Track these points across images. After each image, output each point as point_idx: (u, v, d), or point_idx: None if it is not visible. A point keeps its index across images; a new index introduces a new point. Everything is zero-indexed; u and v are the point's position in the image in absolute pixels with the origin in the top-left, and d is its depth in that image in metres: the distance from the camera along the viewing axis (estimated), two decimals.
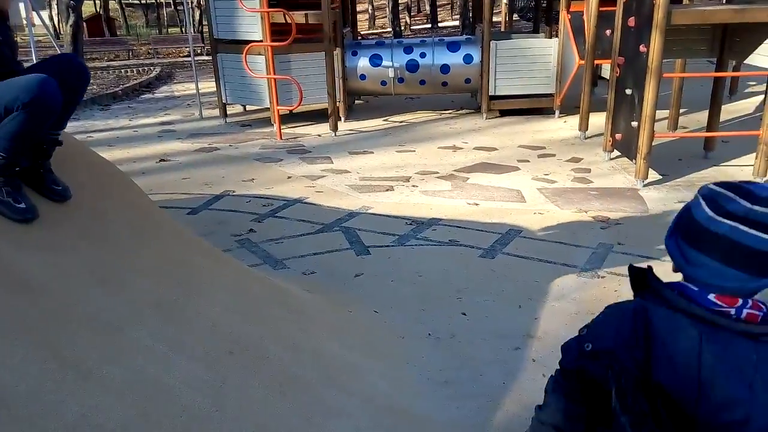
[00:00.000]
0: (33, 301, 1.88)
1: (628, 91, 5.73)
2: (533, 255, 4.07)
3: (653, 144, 5.38)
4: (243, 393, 2.07)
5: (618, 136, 6.05)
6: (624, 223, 4.62)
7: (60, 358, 1.74)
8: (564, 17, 7.96)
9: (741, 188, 1.02)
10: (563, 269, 3.85)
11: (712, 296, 1.02)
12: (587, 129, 7.30)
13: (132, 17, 38.73)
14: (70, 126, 9.20)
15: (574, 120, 7.92)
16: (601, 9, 6.76)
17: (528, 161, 6.47)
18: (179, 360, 2.01)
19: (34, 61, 7.68)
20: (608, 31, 6.88)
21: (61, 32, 19.47)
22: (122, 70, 16.01)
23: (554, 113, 8.56)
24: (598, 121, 7.16)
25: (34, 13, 10.96)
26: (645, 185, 5.46)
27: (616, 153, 6.30)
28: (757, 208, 0.99)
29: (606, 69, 9.53)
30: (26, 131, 1.93)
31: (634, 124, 5.56)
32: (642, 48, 5.31)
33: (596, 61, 7.31)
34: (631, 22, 5.60)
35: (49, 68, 2.12)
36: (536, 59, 8.41)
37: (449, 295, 3.55)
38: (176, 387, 1.89)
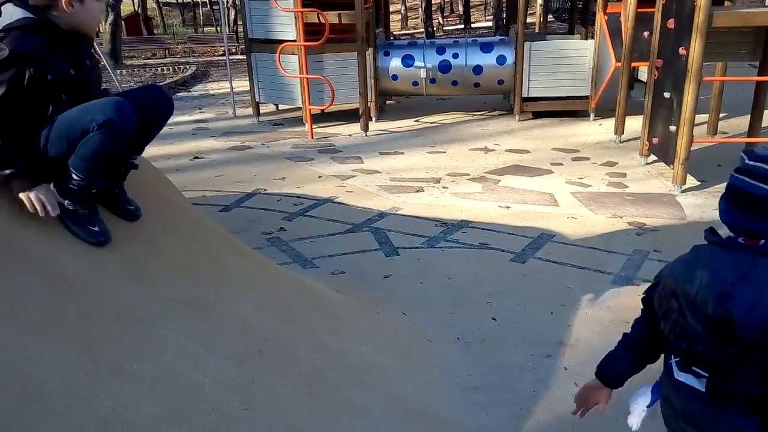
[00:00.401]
0: (67, 296, 1.90)
1: (667, 95, 5.60)
2: (566, 260, 3.99)
3: (692, 149, 5.24)
4: (272, 392, 2.07)
5: (655, 140, 5.91)
6: (661, 230, 4.51)
7: (92, 353, 1.76)
8: (600, 18, 7.81)
9: (749, 151, 1.36)
10: (597, 276, 3.77)
11: (741, 239, 1.36)
12: (623, 132, 7.15)
13: (169, 16, 39.45)
14: None
15: (609, 123, 7.77)
16: (639, 10, 6.62)
17: (561, 164, 6.36)
18: (209, 357, 2.02)
19: None
20: (646, 33, 6.73)
21: (101, 30, 19.93)
22: (159, 69, 16.30)
23: (589, 116, 8.42)
24: (635, 124, 7.01)
25: None
26: (682, 191, 5.32)
27: (652, 157, 6.16)
28: (757, 164, 1.32)
29: (643, 71, 9.33)
30: (102, 152, 1.97)
31: (672, 128, 5.42)
32: (682, 51, 5.18)
33: (633, 64, 7.16)
34: (671, 24, 5.46)
35: (135, 96, 2.17)
36: (571, 61, 8.28)
37: (479, 299, 3.51)
38: (206, 385, 1.90)
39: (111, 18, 16.73)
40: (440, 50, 8.80)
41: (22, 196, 1.95)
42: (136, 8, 33.39)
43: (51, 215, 1.97)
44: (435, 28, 25.90)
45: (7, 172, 1.93)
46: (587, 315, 3.30)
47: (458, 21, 33.08)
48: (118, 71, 13.68)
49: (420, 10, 27.22)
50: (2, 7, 1.98)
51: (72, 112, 1.97)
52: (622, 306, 3.38)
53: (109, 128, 1.93)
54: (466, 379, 2.73)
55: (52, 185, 2.03)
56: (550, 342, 3.02)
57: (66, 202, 2.04)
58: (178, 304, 2.15)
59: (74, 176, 2.01)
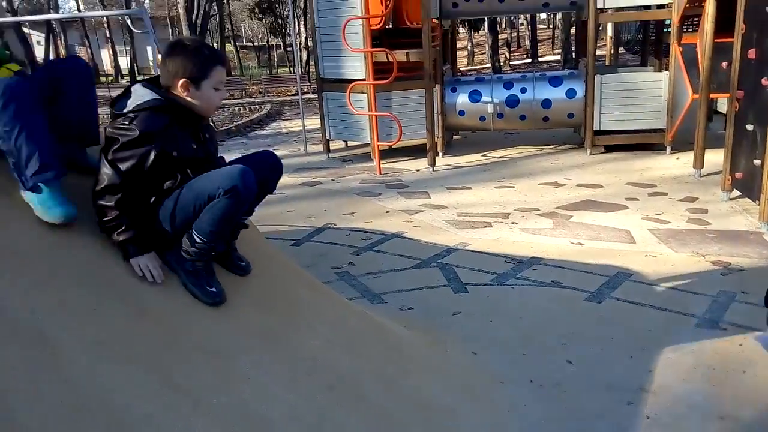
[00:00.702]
0: (150, 327, 1.98)
1: (750, 127, 5.33)
2: (645, 301, 3.81)
3: None
4: (342, 430, 2.06)
5: (738, 174, 5.61)
6: (747, 270, 4.24)
7: (172, 384, 1.82)
8: (675, 50, 7.59)
9: None
10: (679, 318, 3.57)
11: None
12: (702, 166, 6.85)
13: (246, 58, 41.46)
14: None
15: (687, 157, 7.47)
16: (716, 41, 6.39)
17: (637, 199, 6.14)
18: (282, 392, 2.03)
19: None
20: (724, 64, 6.48)
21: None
22: (236, 108, 17.07)
23: (665, 149, 8.12)
24: (714, 158, 6.71)
25: (159, 56, 11.98)
26: None
27: (736, 193, 5.85)
28: None
29: (722, 103, 8.98)
30: (226, 216, 2.12)
31: (757, 162, 5.14)
32: (764, 81, 4.95)
33: (712, 95, 6.88)
34: (752, 54, 5.23)
35: (248, 160, 2.36)
36: (645, 93, 8.07)
37: (553, 339, 3.39)
38: (278, 420, 1.91)
39: None
40: (508, 85, 8.79)
41: (131, 261, 2.12)
42: None
43: (157, 282, 2.13)
44: (501, 63, 25.93)
45: (121, 238, 2.10)
46: (670, 360, 3.12)
47: (525, 55, 33.00)
48: None
49: (486, 45, 27.37)
50: (132, 88, 2.18)
51: (199, 180, 2.14)
52: (707, 351, 3.18)
53: (234, 194, 2.08)
54: (541, 425, 2.62)
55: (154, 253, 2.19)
56: (630, 388, 2.86)
57: (187, 264, 2.20)
58: (255, 337, 2.19)
59: (197, 239, 2.16)
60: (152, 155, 2.07)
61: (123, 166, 2.06)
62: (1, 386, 1.54)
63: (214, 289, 2.22)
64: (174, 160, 2.14)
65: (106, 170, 2.07)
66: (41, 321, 1.75)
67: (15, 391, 1.55)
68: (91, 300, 1.92)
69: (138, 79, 2.33)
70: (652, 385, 2.88)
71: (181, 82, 2.15)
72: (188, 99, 2.18)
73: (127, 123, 2.08)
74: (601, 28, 8.68)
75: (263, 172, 2.34)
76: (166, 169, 2.13)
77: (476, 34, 36.04)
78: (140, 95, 2.14)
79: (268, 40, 42.44)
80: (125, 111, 2.12)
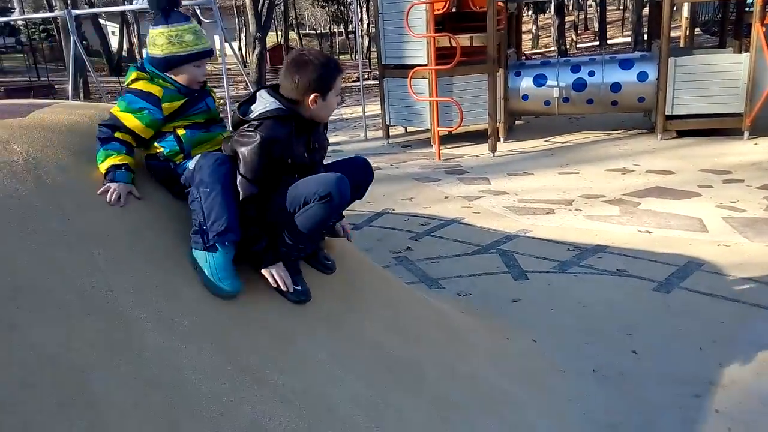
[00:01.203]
0: (217, 308, 2.06)
1: None
2: (717, 292, 3.65)
3: None
4: (401, 414, 2.09)
5: None
6: None
7: (239, 363, 1.89)
8: (758, 30, 7.14)
9: None
10: (754, 311, 3.40)
11: None
12: None
13: (308, 45, 41.96)
14: None
15: (766, 142, 7.05)
16: None
17: (711, 187, 5.85)
18: (343, 374, 2.08)
19: (225, 86, 8.51)
20: None
21: (248, 61, 21.63)
22: None
23: (743, 134, 7.69)
24: None
25: (226, 44, 12.29)
26: None
27: None
28: None
29: None
30: (319, 221, 2.21)
31: None
32: None
33: None
34: None
35: (342, 166, 2.46)
36: (722, 76, 7.64)
37: (617, 329, 3.30)
38: (339, 401, 1.96)
39: (258, 50, 18.09)
40: (575, 68, 8.52)
41: (264, 272, 2.21)
42: (279, 40, 35.89)
43: (290, 290, 2.23)
44: (568, 46, 25.14)
45: (258, 247, 2.19)
46: (742, 353, 2.98)
47: (593, 38, 31.86)
48: None
49: (552, 28, 26.59)
50: (258, 94, 2.27)
51: (297, 185, 2.21)
52: None
53: (328, 201, 2.15)
54: (603, 415, 2.56)
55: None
56: (698, 381, 2.76)
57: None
58: (317, 320, 2.25)
59: (288, 240, 2.24)
60: (271, 161, 2.16)
61: (251, 176, 2.15)
62: (79, 361, 1.64)
63: (300, 288, 2.29)
64: (287, 166, 2.23)
65: (241, 183, 2.16)
66: (117, 299, 1.85)
67: (91, 366, 1.65)
68: (164, 280, 2.01)
69: (265, 85, 2.43)
70: (723, 379, 2.77)
71: (311, 97, 2.21)
72: (315, 111, 2.26)
73: (251, 130, 2.16)
74: (675, 9, 8.25)
75: (356, 177, 2.41)
76: (279, 174, 2.22)
77: (542, 16, 35.02)
78: (266, 103, 2.22)
79: (330, 27, 42.74)
80: (251, 117, 2.20)
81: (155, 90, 2.27)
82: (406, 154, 8.49)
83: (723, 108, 7.75)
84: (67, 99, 10.40)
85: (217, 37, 10.79)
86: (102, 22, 31.74)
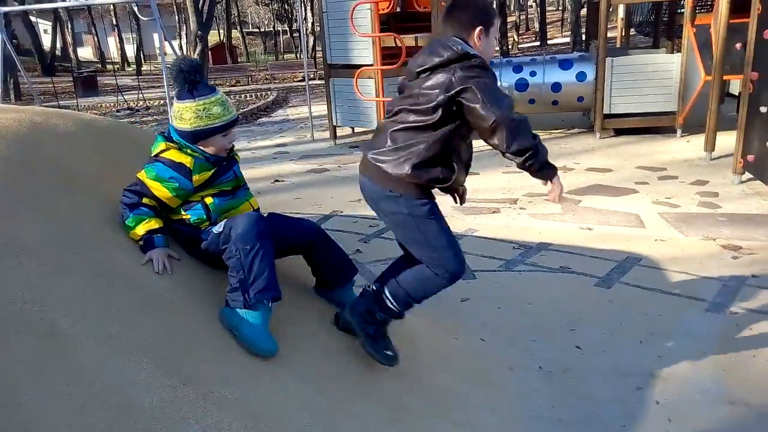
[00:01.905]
0: (159, 318, 1.99)
1: (763, 109, 5.26)
2: (655, 286, 3.79)
3: None
4: (353, 419, 2.07)
5: (750, 157, 5.55)
6: (759, 254, 4.20)
7: (182, 375, 1.83)
8: (689, 31, 7.48)
9: None
10: (690, 303, 3.55)
11: None
12: (714, 149, 6.77)
13: (252, 44, 41.29)
14: None
15: (698, 140, 7.38)
16: (731, 21, 6.28)
17: (647, 183, 6.09)
18: (292, 381, 2.04)
19: (165, 86, 8.30)
20: (738, 45, 6.38)
21: None
22: (242, 95, 17.04)
23: (676, 132, 8.03)
24: (726, 141, 6.63)
25: (166, 43, 11.96)
26: None
27: (747, 176, 5.78)
28: None
29: (734, 85, 8.85)
30: (430, 294, 2.37)
31: None
32: None
33: (725, 77, 6.78)
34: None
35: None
36: (656, 75, 7.96)
37: (561, 325, 3.38)
38: (290, 409, 1.92)
39: (199, 48, 17.68)
40: (517, 68, 8.70)
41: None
42: (222, 38, 35.20)
43: None
44: (510, 46, 25.67)
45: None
46: (680, 345, 3.10)
47: (534, 38, 32.65)
48: None
49: None
50: (451, 40, 2.20)
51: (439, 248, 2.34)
52: (718, 336, 3.16)
53: (452, 280, 2.30)
54: (550, 411, 2.62)
55: None
56: (639, 373, 2.86)
57: (370, 329, 2.34)
58: None
59: (393, 307, 2.32)
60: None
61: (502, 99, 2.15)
62: (12, 379, 1.55)
63: (391, 353, 2.32)
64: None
65: (505, 101, 2.15)
66: (52, 313, 1.76)
67: (25, 383, 1.56)
68: (101, 292, 1.93)
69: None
70: (662, 371, 2.88)
71: (477, 30, 2.20)
72: (479, 47, 2.22)
73: (481, 62, 2.14)
74: (612, 10, 8.54)
75: None
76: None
77: None
78: (458, 43, 2.17)
79: (274, 25, 42.25)
80: (471, 53, 2.14)
81: (186, 161, 2.24)
82: (354, 156, 8.47)
83: (657, 107, 8.08)
84: None
85: (156, 35, 10.46)
86: (33, 19, 30.33)
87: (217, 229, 2.24)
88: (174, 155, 2.26)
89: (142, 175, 2.25)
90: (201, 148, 2.30)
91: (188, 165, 2.25)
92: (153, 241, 2.20)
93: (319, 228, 2.57)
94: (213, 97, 2.26)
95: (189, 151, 2.27)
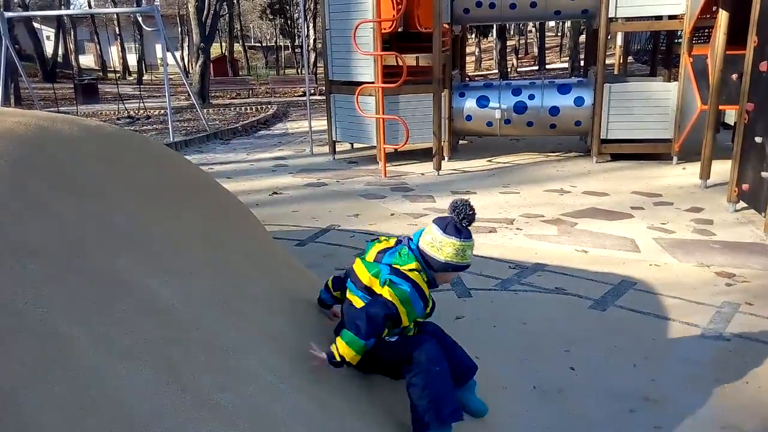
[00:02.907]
0: (158, 324, 1.99)
1: (758, 140, 5.33)
2: (649, 310, 3.81)
3: None
4: (346, 430, 2.07)
5: (745, 186, 5.61)
6: (752, 281, 4.23)
7: (179, 382, 1.83)
8: (686, 60, 7.60)
9: None
10: (683, 328, 3.57)
11: None
12: (709, 177, 6.84)
13: (253, 58, 41.56)
14: (195, 157, 9.89)
15: (693, 167, 7.47)
16: (727, 52, 6.39)
17: (642, 208, 6.14)
18: (288, 392, 2.05)
19: (167, 96, 8.36)
20: (734, 76, 6.48)
21: (190, 71, 21.22)
22: (242, 108, 17.12)
23: (672, 159, 8.12)
24: (721, 169, 6.71)
25: (168, 54, 12.04)
26: None
27: (742, 204, 5.84)
28: None
29: (730, 115, 8.97)
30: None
31: (765, 174, 5.14)
32: None
33: (721, 107, 6.88)
34: (764, 66, 5.24)
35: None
36: (653, 103, 8.08)
37: (556, 346, 3.39)
38: (285, 419, 1.92)
39: (201, 60, 17.78)
40: (516, 91, 8.80)
41: None
42: (224, 51, 35.43)
43: None
44: (509, 70, 25.94)
45: None
46: (674, 370, 3.12)
47: (533, 62, 33.00)
48: (205, 110, 14.45)
49: (494, 51, 27.39)
50: None
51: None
52: (711, 362, 3.18)
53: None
54: (544, 431, 2.62)
55: None
56: (633, 396, 2.86)
57: None
58: (260, 336, 2.20)
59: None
60: None
61: None
62: (11, 380, 1.55)
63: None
64: None
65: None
66: (53, 316, 1.76)
67: (24, 385, 1.56)
68: (102, 297, 1.93)
69: None
70: (656, 394, 2.89)
71: None
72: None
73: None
74: (610, 37, 8.68)
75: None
76: None
77: (485, 40, 36.06)
78: None
79: (276, 40, 42.55)
80: None
81: (426, 289, 2.37)
82: (352, 171, 8.51)
83: (654, 134, 8.18)
84: None
85: (159, 46, 10.57)
86: (36, 26, 30.48)
87: (390, 338, 2.36)
88: (419, 280, 2.36)
89: (393, 296, 2.28)
90: (437, 277, 2.43)
91: (426, 293, 2.38)
92: (343, 364, 2.25)
93: (439, 328, 2.66)
94: (471, 241, 2.42)
95: (425, 277, 2.37)
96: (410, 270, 2.33)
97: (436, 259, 2.36)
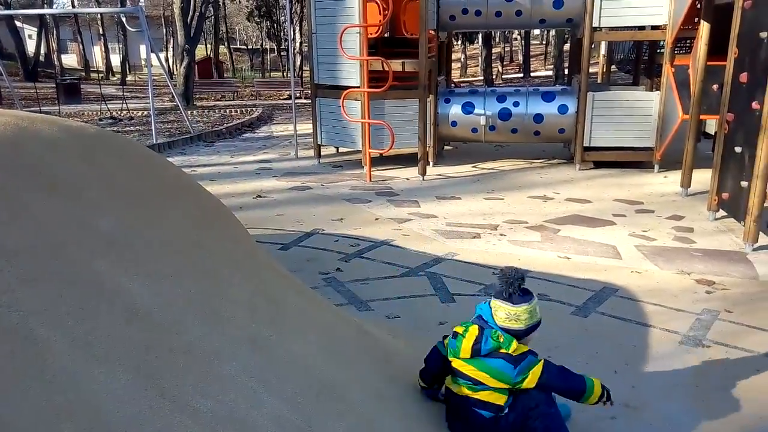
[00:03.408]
0: (138, 328, 1.96)
1: (738, 149, 5.41)
2: (630, 317, 3.84)
3: (765, 205, 5.01)
4: None
5: (725, 195, 5.69)
6: (731, 289, 4.29)
7: (158, 387, 1.80)
8: (668, 70, 7.70)
9: None
10: (664, 334, 3.60)
11: None
12: (689, 186, 6.93)
13: (239, 61, 41.38)
14: (178, 159, 9.80)
15: (674, 176, 7.56)
16: (708, 63, 6.49)
17: (624, 216, 6.20)
18: (268, 398, 2.02)
19: (150, 97, 8.33)
20: (715, 86, 6.59)
21: (175, 73, 21.08)
22: (227, 110, 17.02)
23: (653, 168, 8.22)
24: (701, 177, 6.80)
25: (153, 55, 11.95)
26: (754, 249, 5.08)
27: (721, 213, 5.93)
28: None
29: (710, 124, 9.11)
30: None
31: (744, 183, 5.22)
32: (755, 105, 5.03)
33: (701, 117, 6.98)
34: (744, 77, 5.32)
35: None
36: (636, 112, 8.18)
37: (538, 351, 3.38)
38: (264, 426, 1.90)
39: (186, 61, 17.67)
40: (501, 98, 8.86)
41: None
42: (209, 53, 35.25)
43: None
44: (494, 76, 26.12)
45: None
46: (653, 376, 3.14)
47: (517, 70, 33.26)
48: (189, 112, 14.34)
49: (480, 58, 27.57)
50: None
51: None
52: (691, 368, 3.21)
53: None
54: None
55: None
56: (614, 403, 2.88)
57: None
58: (242, 341, 2.18)
59: None
60: None
61: None
62: None
63: None
64: None
65: None
66: (29, 319, 1.73)
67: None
68: (80, 300, 1.90)
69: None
70: (636, 401, 2.91)
71: None
72: None
73: None
74: (594, 46, 8.77)
75: None
76: None
77: (470, 46, 36.27)
78: None
79: (262, 43, 42.43)
80: None
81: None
82: (337, 175, 8.50)
83: (636, 142, 8.27)
84: None
85: (143, 47, 10.50)
86: (18, 24, 30.07)
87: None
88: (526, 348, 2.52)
89: (539, 372, 2.49)
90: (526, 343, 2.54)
91: None
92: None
93: None
94: (535, 299, 2.52)
95: (521, 346, 2.49)
96: (517, 347, 2.46)
97: (519, 329, 2.48)
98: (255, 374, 2.09)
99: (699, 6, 6.94)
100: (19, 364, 1.61)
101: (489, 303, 2.55)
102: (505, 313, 2.47)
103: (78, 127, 2.99)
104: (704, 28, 6.47)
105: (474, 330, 2.50)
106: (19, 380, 1.57)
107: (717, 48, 6.30)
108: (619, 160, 8.44)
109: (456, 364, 2.52)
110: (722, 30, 5.92)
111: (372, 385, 2.52)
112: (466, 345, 2.48)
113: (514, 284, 2.47)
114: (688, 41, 9.00)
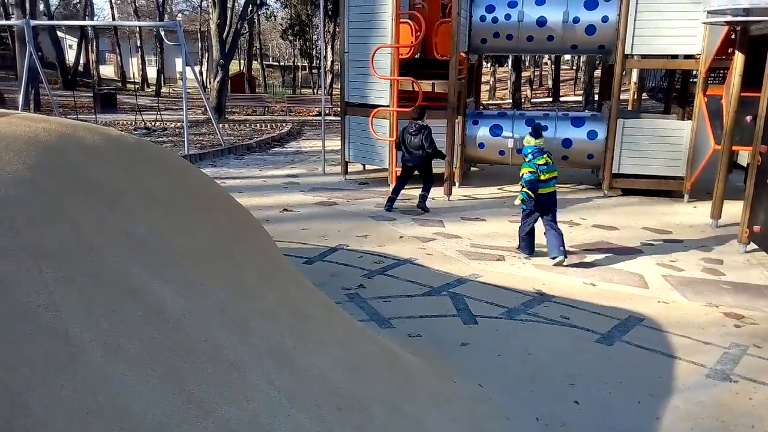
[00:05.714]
0: (166, 333, 2.01)
1: None
2: (656, 347, 3.78)
3: None
4: None
5: (756, 228, 5.59)
6: (761, 324, 4.20)
7: (185, 392, 1.84)
8: (700, 100, 7.63)
9: None
10: (690, 367, 3.54)
11: None
12: (720, 217, 6.82)
13: (271, 77, 42.06)
14: (209, 171, 9.92)
15: (704, 206, 7.44)
16: (742, 94, 6.42)
17: (652, 245, 6.12)
18: (291, 409, 2.05)
19: (184, 109, 8.53)
20: (749, 118, 6.50)
21: (208, 86, 21.50)
22: (257, 124, 17.28)
23: (683, 197, 8.10)
24: (732, 209, 6.69)
25: (188, 68, 12.23)
26: None
27: (753, 246, 5.81)
28: None
29: (743, 156, 8.96)
30: None
31: None
32: None
33: (734, 148, 6.88)
34: None
35: None
36: (666, 140, 8.10)
37: (561, 378, 3.37)
38: None
39: (219, 76, 18.04)
40: (529, 122, 8.85)
41: None
42: (242, 68, 35.92)
43: None
44: (522, 100, 26.10)
45: None
46: (678, 409, 3.08)
47: (546, 94, 33.18)
48: (221, 125, 14.61)
49: (509, 81, 27.59)
50: None
51: None
52: (717, 403, 3.14)
53: None
54: None
55: None
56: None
57: None
58: (267, 352, 2.21)
59: None
60: None
61: None
62: (21, 380, 1.56)
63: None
64: None
65: None
66: (65, 320, 1.78)
67: (33, 386, 1.57)
68: (114, 303, 1.95)
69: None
70: None
71: None
72: None
73: None
74: (625, 73, 8.74)
75: None
76: None
77: (500, 69, 36.34)
78: None
79: (294, 60, 43.08)
80: None
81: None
82: (363, 192, 8.55)
83: (666, 170, 8.18)
84: (17, 109, 10.08)
85: (179, 60, 10.76)
86: (60, 35, 31.05)
87: None
88: None
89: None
90: None
91: None
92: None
93: None
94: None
95: None
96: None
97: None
98: (278, 384, 2.12)
99: (733, 37, 6.89)
100: (53, 364, 1.66)
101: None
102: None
103: (118, 136, 3.08)
104: (739, 59, 6.41)
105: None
106: (53, 378, 1.62)
107: (751, 79, 6.24)
108: (648, 188, 8.34)
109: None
110: (757, 60, 5.87)
111: (393, 401, 2.52)
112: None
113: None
114: (722, 71, 8.91)
